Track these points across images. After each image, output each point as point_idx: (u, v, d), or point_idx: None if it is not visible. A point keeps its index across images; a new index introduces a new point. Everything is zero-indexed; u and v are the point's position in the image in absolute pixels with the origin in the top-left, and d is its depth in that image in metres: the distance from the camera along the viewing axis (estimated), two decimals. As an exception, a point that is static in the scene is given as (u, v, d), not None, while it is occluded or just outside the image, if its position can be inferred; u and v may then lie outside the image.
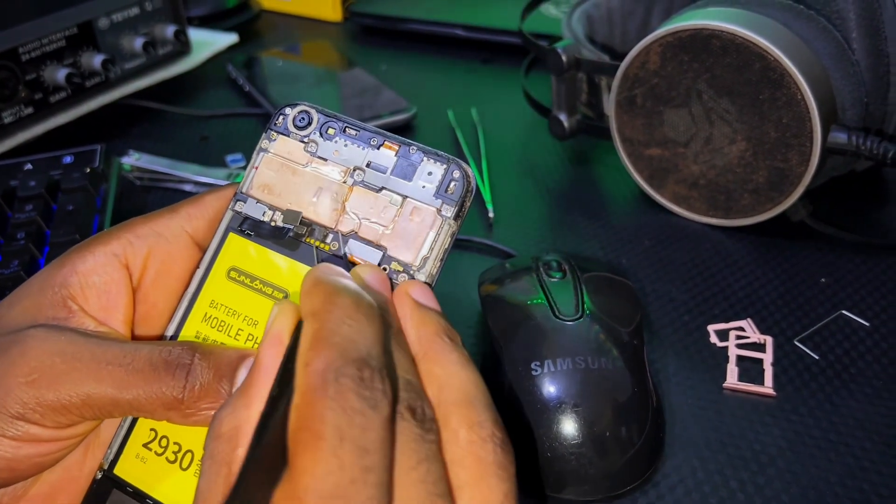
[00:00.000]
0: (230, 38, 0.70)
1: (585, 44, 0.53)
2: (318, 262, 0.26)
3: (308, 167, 0.27)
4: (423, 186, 0.26)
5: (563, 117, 0.52)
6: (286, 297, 0.26)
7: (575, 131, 0.52)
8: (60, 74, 0.55)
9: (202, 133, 0.61)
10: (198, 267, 0.28)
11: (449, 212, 0.25)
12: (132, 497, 0.26)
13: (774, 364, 0.38)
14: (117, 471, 0.26)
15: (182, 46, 0.65)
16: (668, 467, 0.33)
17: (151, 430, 0.26)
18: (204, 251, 0.28)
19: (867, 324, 0.40)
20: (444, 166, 0.26)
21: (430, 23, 0.75)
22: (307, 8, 0.84)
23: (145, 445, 0.26)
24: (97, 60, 0.57)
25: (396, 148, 0.26)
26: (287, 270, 0.26)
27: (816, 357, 0.38)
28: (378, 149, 0.26)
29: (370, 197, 0.26)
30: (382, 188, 0.26)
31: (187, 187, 0.53)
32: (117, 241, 0.27)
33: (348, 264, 0.25)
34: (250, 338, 0.26)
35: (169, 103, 0.64)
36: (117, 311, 0.27)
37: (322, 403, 0.19)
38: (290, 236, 0.26)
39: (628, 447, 0.32)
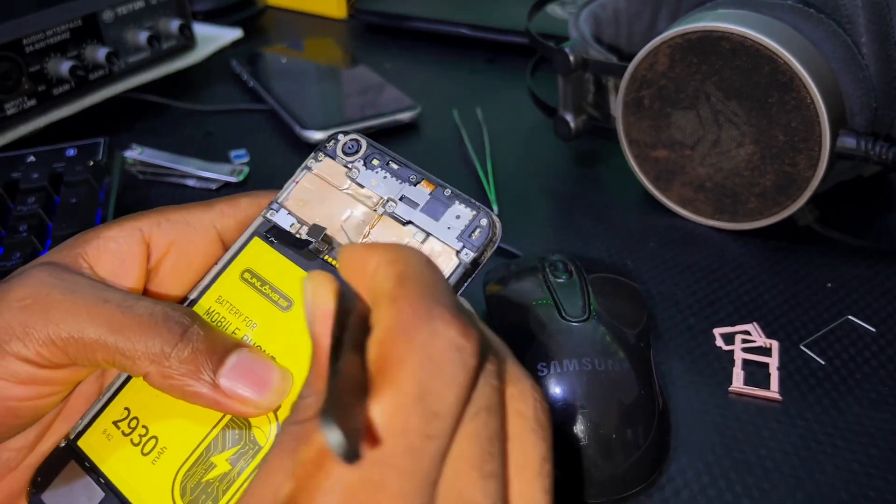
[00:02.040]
0: (234, 34, 0.69)
1: (593, 44, 0.53)
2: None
3: (345, 190, 0.28)
4: (449, 227, 0.26)
5: (569, 118, 0.52)
6: (291, 305, 0.27)
7: (581, 132, 0.52)
8: (64, 67, 0.55)
9: (206, 128, 0.61)
10: (216, 263, 0.28)
11: (468, 256, 0.26)
12: (86, 472, 0.26)
13: (780, 368, 0.38)
14: (81, 443, 0.26)
15: (186, 41, 0.64)
16: (674, 471, 0.33)
17: (125, 409, 0.26)
18: (226, 250, 0.29)
19: (873, 329, 0.40)
20: (474, 212, 0.26)
21: (436, 21, 0.75)
22: (312, 4, 0.84)
23: (115, 423, 0.26)
24: (101, 53, 0.57)
25: (432, 188, 0.27)
26: (297, 281, 0.27)
27: (822, 362, 0.38)
28: (415, 185, 0.27)
29: (396, 228, 0.27)
30: (409, 222, 0.27)
31: (190, 182, 0.53)
32: (146, 219, 0.28)
33: None
34: (245, 339, 0.27)
35: (172, 98, 0.64)
36: (126, 281, 0.27)
37: (409, 345, 0.18)
38: (309, 249, 0.27)
39: (634, 450, 0.32)
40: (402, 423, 0.17)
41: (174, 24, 0.62)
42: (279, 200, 0.29)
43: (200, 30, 0.68)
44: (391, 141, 0.59)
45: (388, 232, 0.27)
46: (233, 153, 0.56)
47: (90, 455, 0.26)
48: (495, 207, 0.49)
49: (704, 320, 0.41)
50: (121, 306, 0.24)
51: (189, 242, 0.28)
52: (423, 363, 0.18)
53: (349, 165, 0.28)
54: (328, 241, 0.27)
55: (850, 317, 0.41)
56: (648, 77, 0.45)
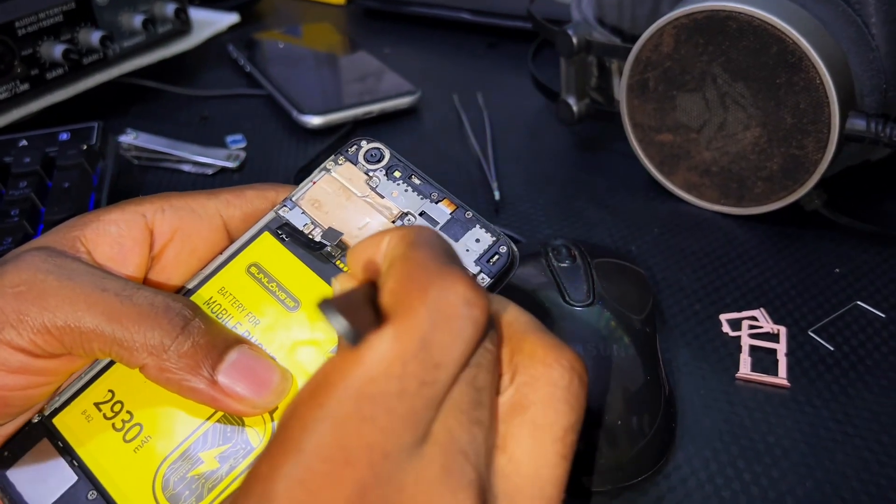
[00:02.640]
0: (231, 18, 0.68)
1: (596, 26, 0.52)
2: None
3: (363, 198, 0.28)
4: (467, 250, 0.26)
5: (571, 101, 0.51)
6: (297, 306, 0.26)
7: (584, 116, 0.51)
8: (57, 50, 0.54)
9: (201, 113, 0.60)
10: (221, 252, 0.27)
11: (484, 281, 0.25)
12: (59, 451, 0.25)
13: (788, 355, 0.37)
14: (56, 421, 0.25)
15: (182, 25, 0.63)
16: (680, 458, 0.32)
17: (109, 391, 0.25)
18: (232, 241, 0.28)
19: (882, 315, 0.39)
20: (494, 238, 0.26)
21: (436, 6, 0.74)
22: (310, -10, 0.83)
23: (96, 404, 0.25)
24: (95, 37, 0.56)
25: (454, 208, 0.27)
26: (307, 284, 0.26)
27: (831, 348, 0.37)
28: (436, 203, 0.27)
29: None
30: None
31: (186, 167, 0.52)
32: (150, 203, 0.27)
33: None
34: (247, 334, 0.25)
35: (168, 83, 0.63)
36: (125, 267, 0.26)
37: (421, 294, 0.18)
38: (322, 252, 0.27)
39: (639, 437, 0.31)
40: (399, 368, 0.18)
41: (170, 8, 0.61)
42: (294, 198, 0.28)
43: (196, 14, 0.66)
44: (391, 126, 0.58)
45: None
46: (229, 138, 0.55)
47: (65, 435, 0.25)
48: (497, 193, 0.48)
49: (710, 306, 0.40)
50: (120, 295, 0.23)
51: (194, 230, 0.27)
52: (432, 314, 0.18)
53: (370, 173, 0.28)
54: (342, 246, 0.27)
55: (858, 302, 0.40)
56: (653, 59, 0.45)
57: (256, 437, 0.24)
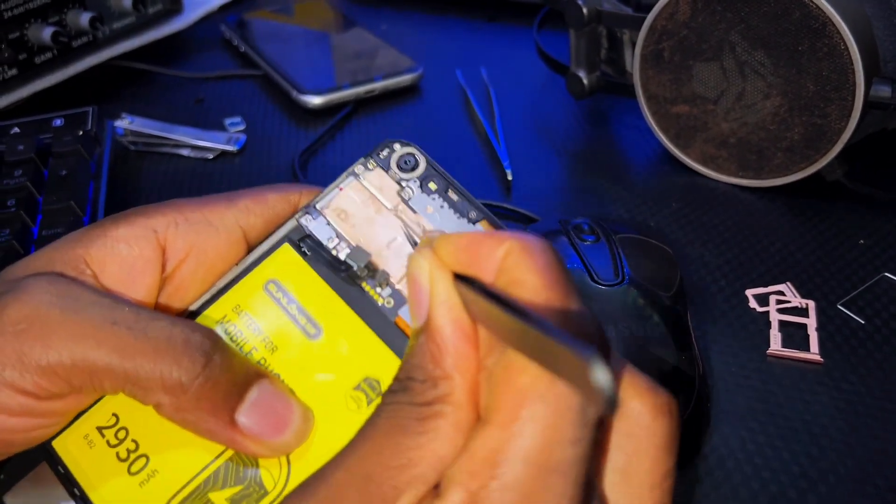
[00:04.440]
0: (223, -3, 0.66)
1: (604, -4, 0.50)
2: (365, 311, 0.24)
3: (394, 211, 0.25)
4: None
5: (582, 74, 0.49)
6: (319, 334, 0.24)
7: (595, 89, 0.50)
8: (46, 33, 0.52)
9: (197, 96, 0.58)
10: (237, 264, 0.25)
11: None
12: (59, 478, 0.23)
13: (819, 329, 0.36)
14: (56, 444, 0.23)
15: (173, 5, 0.61)
16: (716, 440, 0.31)
17: (114, 415, 0.23)
18: (250, 250, 0.25)
19: (912, 286, 0.38)
20: None
21: (432, -20, 0.71)
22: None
23: (99, 429, 0.23)
24: (84, 18, 0.54)
25: (493, 230, 0.24)
26: (329, 306, 0.24)
27: (862, 321, 0.36)
28: (474, 224, 0.24)
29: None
30: None
31: (185, 151, 0.50)
32: (162, 217, 0.24)
33: (394, 327, 0.23)
34: (262, 362, 0.23)
35: (161, 65, 0.61)
36: (135, 291, 0.23)
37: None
38: (348, 274, 0.24)
39: (676, 419, 0.30)
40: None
41: (159, -13, 0.59)
42: (317, 206, 0.25)
43: (187, -7, 0.64)
44: (394, 104, 0.56)
45: None
46: (227, 121, 0.54)
47: (65, 460, 0.23)
48: (509, 170, 0.47)
49: (735, 281, 0.39)
50: (133, 329, 0.21)
51: (211, 247, 0.24)
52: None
53: (402, 183, 0.25)
54: (370, 267, 0.24)
55: (886, 273, 0.39)
56: (668, 27, 0.43)
57: (271, 479, 0.22)
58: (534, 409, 0.17)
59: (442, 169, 0.25)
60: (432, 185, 0.25)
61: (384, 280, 0.24)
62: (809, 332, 0.36)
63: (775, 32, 0.40)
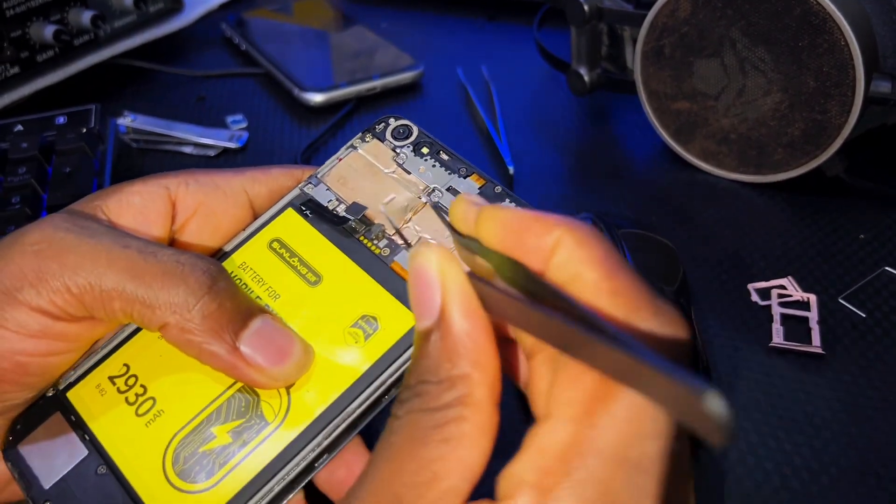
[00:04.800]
0: (223, -5, 0.66)
1: (605, -6, 0.51)
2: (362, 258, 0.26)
3: (390, 173, 0.27)
4: None
5: (583, 71, 0.49)
6: (319, 281, 0.25)
7: (596, 86, 0.50)
8: (48, 31, 0.52)
9: (198, 94, 0.58)
10: (244, 229, 0.27)
11: None
12: (71, 426, 0.24)
13: (820, 323, 0.36)
14: (70, 395, 0.24)
15: (174, 3, 0.61)
16: (719, 432, 0.32)
17: (125, 365, 0.25)
18: (255, 217, 0.27)
19: (912, 280, 0.38)
20: None
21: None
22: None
23: (111, 378, 0.24)
24: (86, 17, 0.54)
25: (483, 182, 0.26)
26: (329, 258, 0.26)
27: (863, 315, 0.37)
28: (464, 178, 0.26)
29: (439, 218, 0.26)
30: None
31: (187, 149, 0.50)
32: (174, 177, 0.26)
33: (390, 271, 0.25)
34: (267, 308, 0.25)
35: (162, 63, 0.61)
36: (148, 237, 0.25)
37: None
38: (346, 227, 0.26)
39: (679, 411, 0.31)
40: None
41: (160, -15, 0.59)
42: (318, 175, 0.28)
43: (187, -8, 0.64)
44: (395, 102, 0.56)
45: (430, 221, 0.26)
46: (230, 118, 0.54)
47: (79, 409, 0.24)
48: (511, 167, 0.47)
49: (737, 276, 0.39)
50: (143, 252, 0.22)
51: (218, 205, 0.26)
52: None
53: (397, 150, 0.28)
54: (366, 221, 0.26)
55: (886, 268, 0.39)
56: (669, 24, 0.43)
57: (272, 411, 0.23)
58: (608, 403, 0.16)
59: (433, 136, 0.27)
60: (424, 150, 0.27)
61: (380, 232, 0.26)
62: (811, 325, 0.36)
63: (776, 29, 0.40)
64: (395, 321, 0.24)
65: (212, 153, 0.50)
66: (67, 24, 0.54)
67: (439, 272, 0.19)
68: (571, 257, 0.17)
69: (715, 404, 0.13)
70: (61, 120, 0.45)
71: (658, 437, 0.16)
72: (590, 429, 0.15)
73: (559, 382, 0.17)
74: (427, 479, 0.17)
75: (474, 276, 0.19)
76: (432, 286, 0.19)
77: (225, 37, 0.65)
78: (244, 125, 0.53)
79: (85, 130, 0.44)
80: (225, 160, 0.50)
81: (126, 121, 0.51)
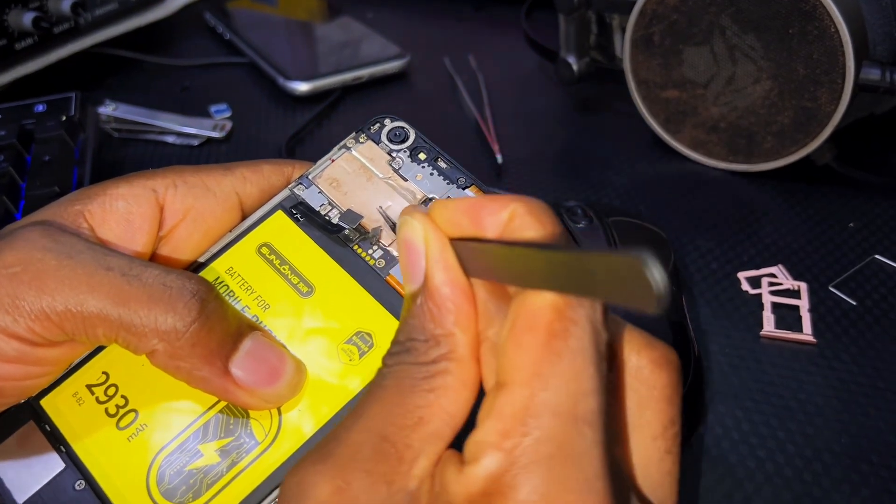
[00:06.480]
0: (206, -16, 0.65)
1: (593, -18, 0.50)
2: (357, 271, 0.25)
3: (385, 179, 0.26)
4: None
5: (571, 60, 0.49)
6: (311, 292, 0.24)
7: (584, 75, 0.49)
8: (26, 18, 0.51)
9: (182, 83, 0.57)
10: (231, 230, 0.25)
11: None
12: (45, 436, 0.23)
13: (811, 311, 0.36)
14: (44, 402, 0.23)
15: (156, -9, 0.60)
16: (712, 420, 0.31)
17: (104, 373, 0.23)
18: (244, 218, 0.26)
19: (902, 268, 0.38)
20: None
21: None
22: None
23: (89, 387, 0.23)
24: (66, 4, 0.53)
25: (482, 195, 0.25)
26: (321, 267, 0.24)
27: (854, 303, 0.36)
28: (463, 189, 0.25)
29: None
30: None
31: (170, 139, 0.50)
32: (161, 179, 0.24)
33: (386, 284, 0.24)
34: (256, 319, 0.24)
35: (144, 52, 0.60)
36: (132, 247, 0.23)
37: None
38: (340, 236, 0.25)
39: (672, 399, 0.30)
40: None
41: (142, -27, 0.58)
42: (310, 176, 0.26)
43: (170, -20, 0.63)
44: (381, 91, 0.56)
45: None
46: (213, 108, 0.53)
47: (53, 418, 0.23)
48: (499, 157, 0.47)
49: (727, 265, 0.39)
50: (126, 274, 0.21)
51: (208, 210, 0.25)
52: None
53: (393, 154, 0.26)
54: (361, 231, 0.25)
55: (876, 256, 0.39)
56: (659, 12, 0.43)
57: (262, 431, 0.22)
58: (553, 363, 0.17)
59: (431, 141, 0.26)
60: (422, 156, 0.26)
61: (375, 242, 0.24)
62: (802, 313, 0.36)
63: (765, 15, 0.40)
64: (390, 339, 0.23)
65: (195, 143, 0.49)
66: (47, 11, 0.53)
67: (424, 239, 0.20)
68: (522, 222, 0.19)
69: (654, 270, 0.13)
70: (40, 108, 0.44)
71: (598, 392, 0.17)
72: (542, 391, 0.17)
73: (506, 353, 0.18)
74: (413, 422, 0.18)
75: (456, 240, 0.20)
76: (418, 252, 0.20)
77: (208, 26, 0.64)
78: (228, 115, 0.52)
79: (65, 118, 0.43)
80: (208, 150, 0.49)
81: (107, 109, 0.50)
